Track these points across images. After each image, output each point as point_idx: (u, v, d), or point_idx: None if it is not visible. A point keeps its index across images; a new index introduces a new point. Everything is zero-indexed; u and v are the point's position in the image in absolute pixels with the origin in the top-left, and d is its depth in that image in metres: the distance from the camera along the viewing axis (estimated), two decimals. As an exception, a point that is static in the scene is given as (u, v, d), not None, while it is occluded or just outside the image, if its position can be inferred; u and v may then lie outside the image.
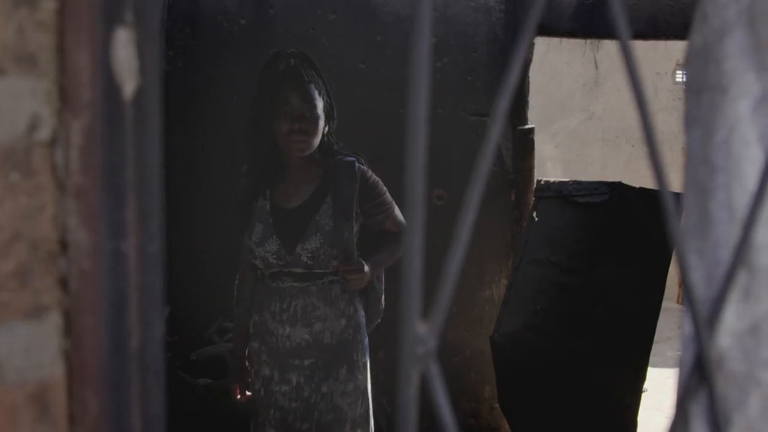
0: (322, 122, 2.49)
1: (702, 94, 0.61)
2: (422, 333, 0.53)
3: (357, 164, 2.58)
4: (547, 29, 4.02)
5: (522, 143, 3.92)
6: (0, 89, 0.50)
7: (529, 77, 4.14)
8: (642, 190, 3.20)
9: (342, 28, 3.72)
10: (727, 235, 0.56)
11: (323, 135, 2.53)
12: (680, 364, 0.57)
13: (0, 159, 0.50)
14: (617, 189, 3.37)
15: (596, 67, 7.75)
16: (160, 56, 0.57)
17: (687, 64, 0.64)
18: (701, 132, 0.60)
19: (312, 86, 2.48)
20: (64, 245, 0.55)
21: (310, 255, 2.48)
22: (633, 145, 7.45)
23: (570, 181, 3.68)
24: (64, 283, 0.55)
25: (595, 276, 3.30)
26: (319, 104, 2.50)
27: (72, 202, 0.55)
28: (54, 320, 0.55)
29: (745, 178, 0.56)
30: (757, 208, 0.54)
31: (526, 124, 3.98)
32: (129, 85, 0.55)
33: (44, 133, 0.53)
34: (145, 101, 0.56)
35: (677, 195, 1.94)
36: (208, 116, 3.64)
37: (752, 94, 0.58)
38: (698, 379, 0.54)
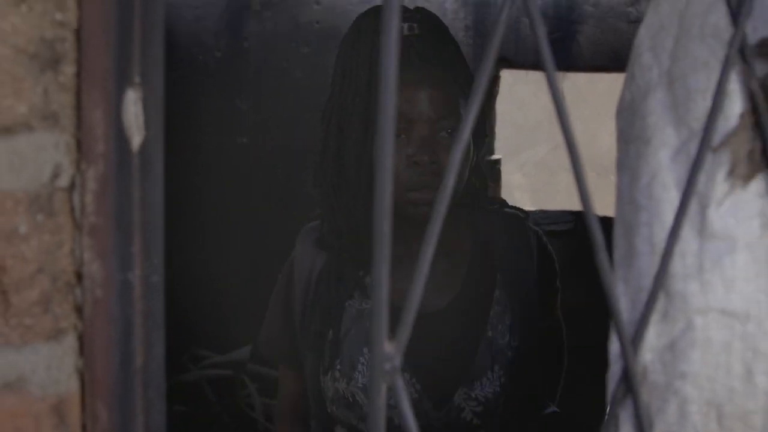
0: (468, 148, 1.52)
1: (630, 144, 0.71)
2: (389, 351, 0.61)
3: (529, 223, 1.65)
4: (513, 63, 4.16)
5: (489, 173, 4.04)
6: (30, 144, 0.59)
7: (495, 109, 4.26)
8: (605, 219, 3.32)
9: (315, 60, 3.83)
10: (649, 266, 0.66)
11: (470, 169, 1.56)
12: (610, 377, 0.66)
13: (29, 203, 0.59)
14: (581, 218, 3.48)
15: (562, 98, 7.91)
16: (163, 111, 0.66)
17: (618, 117, 0.74)
18: (629, 177, 0.70)
19: (452, 79, 1.52)
20: (79, 276, 0.64)
21: (481, 409, 1.45)
22: (598, 174, 7.62)
23: (537, 210, 3.79)
24: (79, 310, 0.64)
25: (562, 300, 3.41)
26: (461, 112, 1.50)
27: (87, 239, 0.63)
28: (70, 342, 0.64)
29: (664, 217, 0.66)
30: (673, 243, 0.63)
31: (493, 154, 4.10)
32: (136, 138, 0.64)
33: (64, 180, 0.62)
34: (149, 152, 0.65)
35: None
36: (178, 148, 3.72)
37: (671, 145, 0.68)
38: (625, 389, 0.63)
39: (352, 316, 1.52)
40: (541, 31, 0.60)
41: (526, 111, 7.85)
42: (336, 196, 1.56)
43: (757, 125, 0.64)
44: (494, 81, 4.44)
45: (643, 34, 0.72)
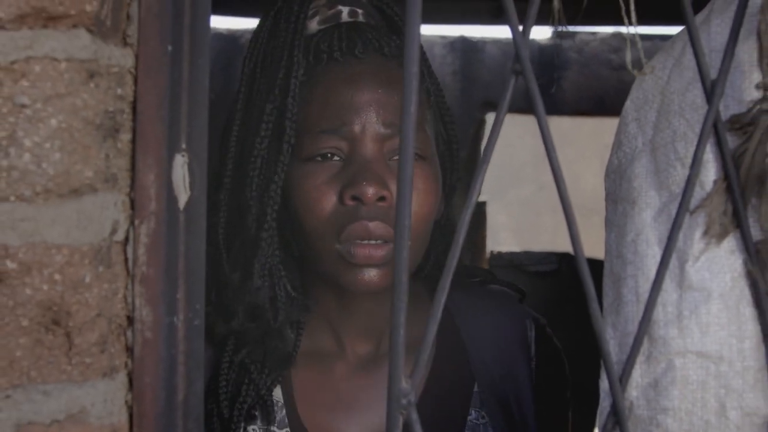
0: (436, 184, 1.10)
1: (617, 204, 0.80)
2: (405, 387, 0.69)
3: (525, 307, 1.24)
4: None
5: (475, 215, 4.14)
6: (94, 203, 0.67)
7: (480, 152, 4.37)
8: (590, 261, 3.42)
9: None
10: (634, 313, 0.74)
11: (440, 219, 1.14)
12: (600, 411, 0.75)
13: (93, 256, 0.67)
14: (565, 259, 3.59)
15: (547, 141, 8.07)
16: (206, 174, 0.75)
17: (606, 179, 0.83)
18: (616, 233, 0.79)
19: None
20: (130, 320, 0.72)
21: None
22: (582, 215, 7.74)
23: (521, 251, 3.89)
24: (129, 350, 0.72)
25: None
26: (428, 130, 1.12)
27: (138, 287, 0.72)
28: (122, 379, 0.72)
29: (647, 270, 0.75)
30: (656, 294, 0.72)
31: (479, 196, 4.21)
32: (183, 198, 0.73)
33: (120, 235, 0.71)
34: (194, 209, 0.73)
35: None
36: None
37: (654, 206, 0.77)
38: (614, 422, 0.72)
39: None
40: (540, 109, 0.69)
41: (512, 152, 8.00)
42: (228, 256, 1.10)
43: (729, 191, 0.73)
44: (480, 125, 4.56)
45: (629, 107, 0.82)
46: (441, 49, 4.56)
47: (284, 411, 1.12)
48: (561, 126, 7.79)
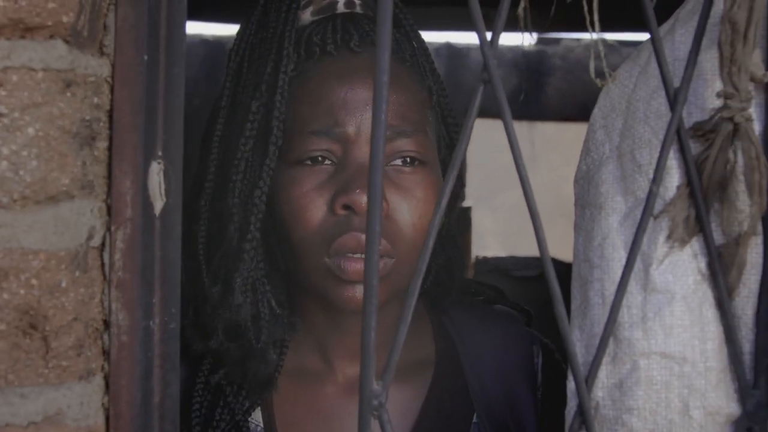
0: (437, 193, 1.01)
1: (585, 209, 0.82)
2: (377, 389, 0.70)
3: (531, 330, 1.16)
4: (487, 112, 4.29)
5: (460, 220, 4.16)
6: (71, 210, 0.68)
7: (466, 158, 4.39)
8: (567, 265, 3.45)
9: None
10: (600, 315, 0.76)
11: (443, 229, 1.10)
12: (567, 411, 0.76)
13: (69, 261, 0.68)
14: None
15: (532, 146, 8.13)
16: (181, 181, 0.77)
17: (575, 185, 0.85)
18: (584, 237, 0.81)
19: (418, 79, 1.05)
20: (107, 324, 0.73)
21: None
22: (566, 219, 7.78)
23: (507, 256, 3.91)
24: (105, 353, 0.73)
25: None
26: (430, 133, 1.05)
27: (115, 291, 0.73)
28: (98, 381, 0.73)
29: (613, 273, 0.77)
30: (621, 296, 0.74)
31: (463, 201, 4.22)
32: (158, 204, 0.74)
33: (97, 241, 0.72)
34: (169, 216, 0.75)
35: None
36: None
37: (620, 211, 0.79)
38: (580, 422, 0.74)
39: None
40: (508, 117, 0.71)
41: (497, 157, 8.00)
42: (208, 269, 1.02)
43: (692, 196, 0.75)
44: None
45: (597, 114, 0.84)
46: (426, 55, 4.57)
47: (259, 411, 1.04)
48: (545, 131, 7.84)
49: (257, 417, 1.04)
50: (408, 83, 1.03)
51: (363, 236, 0.94)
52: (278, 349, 1.02)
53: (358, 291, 0.97)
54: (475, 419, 1.07)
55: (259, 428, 1.04)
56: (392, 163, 1.00)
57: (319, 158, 1.00)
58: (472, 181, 4.47)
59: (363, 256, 0.92)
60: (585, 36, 4.53)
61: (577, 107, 4.51)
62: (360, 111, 0.99)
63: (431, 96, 1.08)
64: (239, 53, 1.07)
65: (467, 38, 4.66)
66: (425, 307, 1.12)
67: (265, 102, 1.01)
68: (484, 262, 4.00)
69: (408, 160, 1.01)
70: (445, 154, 1.10)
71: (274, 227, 1.02)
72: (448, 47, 4.58)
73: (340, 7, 1.06)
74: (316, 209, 0.98)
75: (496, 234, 8.08)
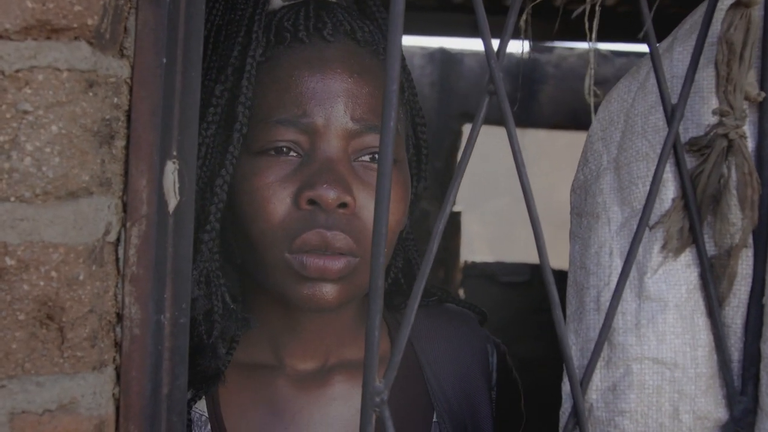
0: (406, 192, 1.01)
1: (582, 218, 0.85)
2: (379, 386, 0.73)
3: (485, 330, 1.17)
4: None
5: (449, 225, 4.19)
6: (90, 206, 0.71)
7: (456, 163, 4.42)
8: (559, 272, 3.49)
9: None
10: (596, 321, 0.79)
11: (403, 231, 1.08)
12: (561, 413, 0.79)
13: (87, 255, 0.71)
14: (537, 270, 3.65)
15: (523, 153, 8.18)
16: (194, 180, 0.79)
17: (572, 194, 0.88)
18: (580, 245, 0.84)
19: (381, 67, 0.99)
20: (120, 317, 0.76)
21: None
22: (557, 227, 7.83)
23: (495, 261, 3.95)
24: (117, 345, 0.76)
25: (516, 351, 3.56)
26: (401, 130, 1.03)
27: (128, 285, 0.76)
28: (110, 372, 0.75)
29: (609, 281, 0.80)
30: (616, 303, 0.77)
31: (453, 205, 4.26)
32: (173, 202, 0.77)
33: (113, 236, 0.74)
34: (182, 213, 0.77)
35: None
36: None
37: (616, 221, 0.82)
38: (574, 423, 0.76)
39: None
40: (512, 128, 0.74)
41: (487, 164, 8.08)
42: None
43: (686, 208, 0.78)
44: (456, 136, 4.62)
45: (596, 126, 0.87)
46: (420, 60, 4.61)
47: (208, 427, 1.02)
48: (537, 138, 7.89)
49: (201, 407, 1.03)
50: (381, 77, 0.98)
51: (328, 233, 0.93)
52: (228, 344, 1.00)
53: (318, 289, 0.94)
54: (435, 418, 1.06)
55: (203, 418, 1.02)
56: (360, 159, 0.97)
57: (284, 149, 0.96)
58: (462, 187, 4.50)
59: (326, 253, 0.93)
60: (578, 45, 4.57)
61: (569, 115, 4.55)
62: (330, 102, 0.95)
63: (403, 92, 1.06)
64: (204, 34, 0.95)
65: (461, 44, 4.70)
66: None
67: (230, 87, 0.98)
68: (472, 266, 4.03)
69: (377, 156, 0.96)
70: (411, 153, 1.09)
71: (233, 219, 0.99)
72: (442, 52, 4.61)
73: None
74: (279, 202, 0.95)
75: (484, 240, 8.13)
